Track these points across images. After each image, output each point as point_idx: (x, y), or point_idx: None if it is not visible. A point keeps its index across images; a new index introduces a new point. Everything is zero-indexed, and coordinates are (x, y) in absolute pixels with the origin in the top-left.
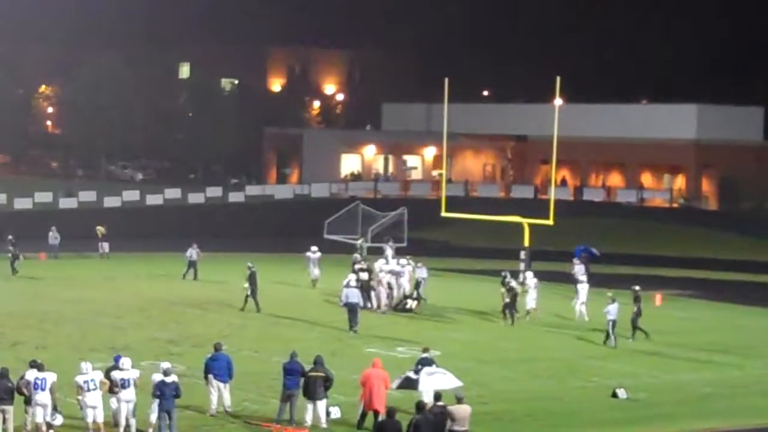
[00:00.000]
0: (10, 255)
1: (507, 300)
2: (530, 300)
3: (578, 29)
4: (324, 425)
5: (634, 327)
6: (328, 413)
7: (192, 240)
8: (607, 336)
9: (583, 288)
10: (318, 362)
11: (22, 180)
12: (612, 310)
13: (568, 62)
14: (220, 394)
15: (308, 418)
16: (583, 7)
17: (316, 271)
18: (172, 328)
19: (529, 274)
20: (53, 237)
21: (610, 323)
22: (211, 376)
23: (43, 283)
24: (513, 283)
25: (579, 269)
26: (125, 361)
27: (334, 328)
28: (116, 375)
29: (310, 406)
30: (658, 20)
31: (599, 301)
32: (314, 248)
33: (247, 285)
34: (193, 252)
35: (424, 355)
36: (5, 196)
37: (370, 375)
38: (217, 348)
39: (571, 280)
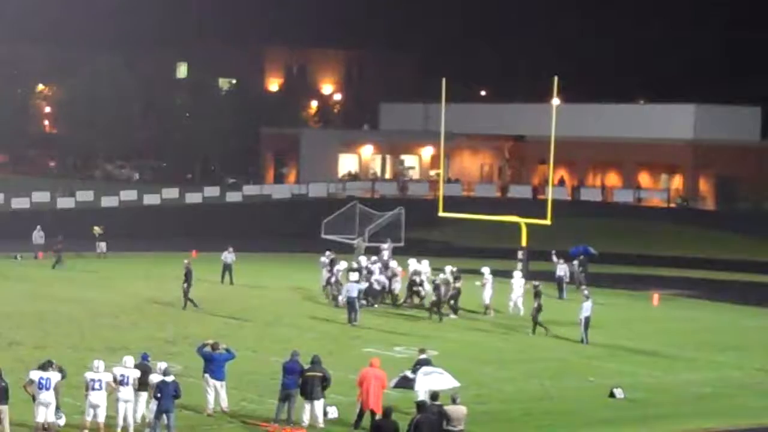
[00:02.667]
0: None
1: (434, 298)
2: (486, 296)
3: (576, 29)
4: (321, 425)
5: (535, 322)
6: (325, 413)
7: (228, 243)
8: (585, 334)
9: (518, 282)
10: (315, 362)
11: (19, 180)
12: (585, 307)
13: (565, 62)
14: (216, 394)
15: (305, 418)
16: (582, 7)
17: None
18: (169, 328)
19: (486, 270)
20: (38, 236)
21: (583, 320)
22: (207, 375)
23: (41, 283)
24: (438, 280)
25: (561, 268)
26: (127, 359)
27: (332, 327)
28: (116, 371)
29: (307, 406)
30: (655, 20)
31: (578, 300)
32: (328, 253)
33: (185, 284)
34: (228, 255)
35: (422, 356)
36: (3, 195)
37: (368, 374)
38: (214, 347)
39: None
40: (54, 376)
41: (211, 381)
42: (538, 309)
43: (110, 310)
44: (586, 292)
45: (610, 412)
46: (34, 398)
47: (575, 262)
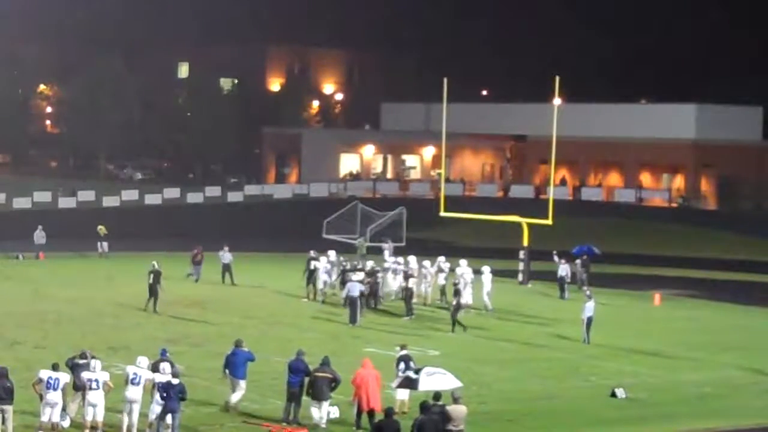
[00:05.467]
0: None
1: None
2: (467, 295)
3: (577, 29)
4: (323, 425)
5: (454, 320)
6: (327, 413)
7: (224, 242)
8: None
9: (488, 278)
10: (325, 363)
11: (21, 180)
12: (588, 307)
13: (567, 62)
14: (234, 389)
15: (316, 417)
16: (582, 6)
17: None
18: (171, 328)
19: (468, 269)
20: (40, 236)
21: (585, 320)
22: (227, 371)
23: (42, 283)
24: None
25: (563, 268)
26: (141, 359)
27: (333, 327)
28: (129, 370)
29: (315, 407)
30: (657, 20)
31: (580, 300)
32: (312, 252)
33: (160, 284)
34: (225, 255)
35: (403, 352)
36: (4, 195)
37: (364, 376)
38: (237, 344)
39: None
40: (63, 377)
41: (230, 378)
42: (457, 307)
43: (111, 310)
44: (588, 292)
45: (612, 412)
46: (41, 397)
47: (578, 261)
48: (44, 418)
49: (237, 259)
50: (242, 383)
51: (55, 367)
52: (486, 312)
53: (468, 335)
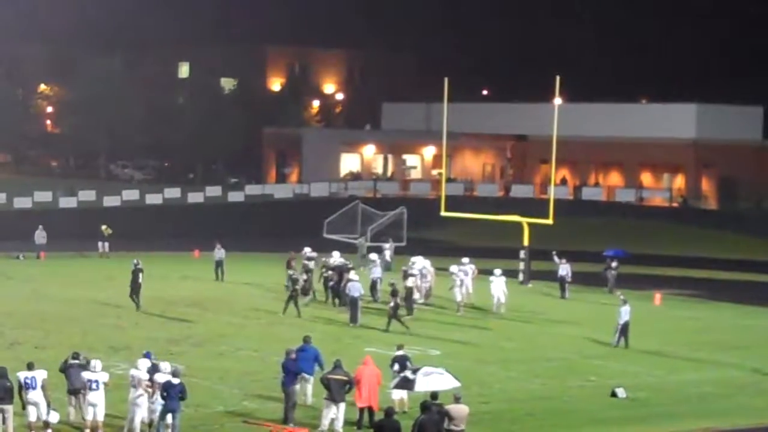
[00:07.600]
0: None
1: (291, 290)
2: (457, 293)
3: (578, 28)
4: (324, 428)
5: (393, 318)
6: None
7: (216, 240)
8: (619, 338)
9: (501, 280)
10: (338, 366)
11: (21, 179)
12: (624, 311)
13: (567, 62)
14: (304, 386)
15: (326, 423)
16: (583, 6)
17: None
18: (171, 328)
19: (454, 268)
20: (40, 236)
21: (621, 325)
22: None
23: (43, 283)
24: (295, 275)
25: (563, 268)
26: (141, 362)
27: (334, 327)
28: (133, 373)
29: (333, 408)
30: (657, 20)
31: (580, 300)
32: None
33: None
34: (218, 252)
35: (399, 352)
36: (5, 195)
37: (364, 373)
38: (305, 340)
39: (601, 280)
40: (39, 374)
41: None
42: (396, 307)
43: (112, 310)
44: (622, 296)
45: (612, 412)
46: (22, 399)
47: (614, 264)
48: (31, 418)
49: (238, 260)
50: (311, 379)
51: (30, 367)
52: (493, 313)
53: (468, 335)
